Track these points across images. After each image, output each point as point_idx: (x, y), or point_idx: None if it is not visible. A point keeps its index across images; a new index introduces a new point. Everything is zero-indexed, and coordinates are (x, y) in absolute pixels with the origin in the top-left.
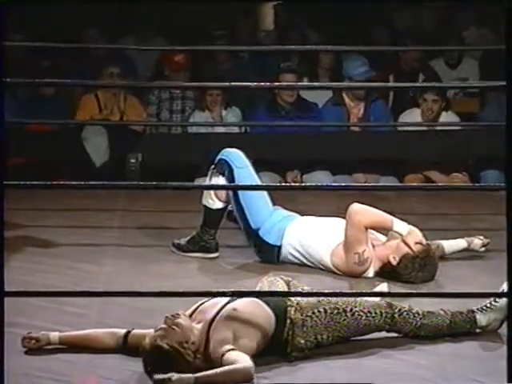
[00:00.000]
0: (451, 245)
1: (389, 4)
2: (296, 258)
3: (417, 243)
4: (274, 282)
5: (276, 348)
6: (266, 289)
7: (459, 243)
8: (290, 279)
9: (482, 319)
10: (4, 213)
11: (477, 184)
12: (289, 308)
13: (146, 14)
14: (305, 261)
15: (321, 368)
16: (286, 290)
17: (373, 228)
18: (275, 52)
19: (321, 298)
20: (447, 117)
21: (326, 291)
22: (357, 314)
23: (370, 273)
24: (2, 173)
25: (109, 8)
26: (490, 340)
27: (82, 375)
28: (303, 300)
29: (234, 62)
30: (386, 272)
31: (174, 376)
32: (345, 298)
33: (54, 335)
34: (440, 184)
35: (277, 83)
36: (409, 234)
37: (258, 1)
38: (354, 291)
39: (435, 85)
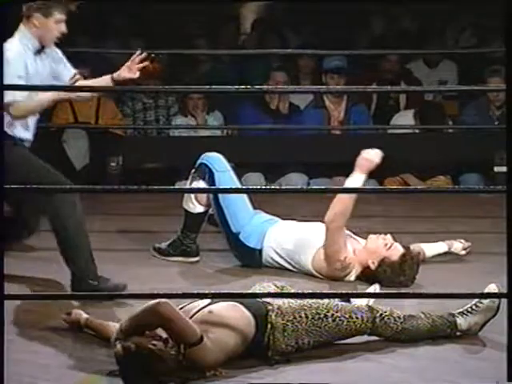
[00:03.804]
0: (432, 248)
1: (375, 4)
2: (277, 261)
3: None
4: (266, 287)
5: (257, 352)
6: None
7: (440, 247)
8: (283, 285)
9: (462, 323)
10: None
11: (460, 186)
12: (270, 313)
13: (125, 16)
14: (286, 264)
15: (302, 371)
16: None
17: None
18: (256, 56)
19: (302, 303)
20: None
21: (310, 292)
22: (338, 319)
23: (352, 276)
24: (1, 176)
25: (92, 9)
26: (470, 343)
27: None
28: (284, 304)
29: (214, 65)
30: (367, 276)
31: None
32: (326, 303)
33: (84, 317)
34: (420, 187)
35: (258, 86)
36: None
37: (251, 0)
38: (339, 292)
39: (427, 89)
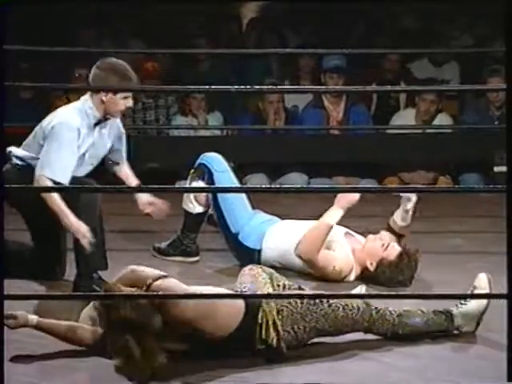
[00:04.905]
0: (398, 214)
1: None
2: (276, 262)
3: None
4: (257, 275)
5: (249, 339)
6: (248, 281)
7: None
8: (272, 271)
9: (458, 315)
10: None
11: (460, 186)
12: (263, 301)
13: (125, 16)
14: (285, 265)
15: (300, 371)
16: (268, 282)
17: (323, 246)
18: (256, 55)
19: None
20: (441, 118)
21: (309, 293)
22: (334, 305)
23: (352, 277)
24: (1, 175)
25: (92, 9)
26: (468, 342)
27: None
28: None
29: (214, 65)
30: (366, 276)
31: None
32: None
33: (33, 318)
34: (420, 186)
35: (257, 87)
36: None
37: (251, 0)
38: (338, 293)
39: (427, 88)
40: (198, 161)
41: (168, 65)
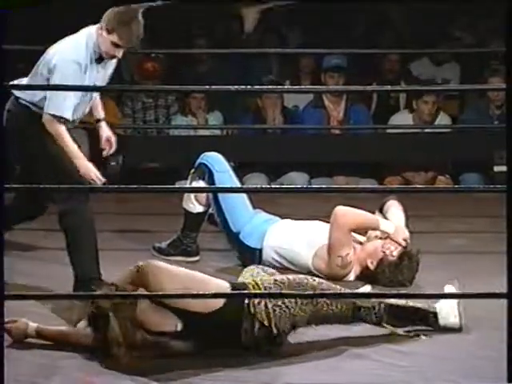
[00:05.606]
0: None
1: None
2: (277, 261)
3: (403, 240)
4: (255, 275)
5: (238, 315)
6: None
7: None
8: (274, 272)
9: (437, 306)
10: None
11: (460, 186)
12: (249, 286)
13: None
14: (286, 264)
15: (298, 370)
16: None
17: (358, 230)
18: (257, 55)
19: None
20: (441, 118)
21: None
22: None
23: (351, 276)
24: (2, 175)
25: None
26: (468, 342)
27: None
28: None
29: (215, 65)
30: (366, 276)
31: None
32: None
33: (32, 327)
34: (420, 186)
35: (257, 86)
36: (396, 233)
37: (262, 2)
38: (338, 292)
39: (427, 88)
40: (199, 160)
41: (168, 65)
